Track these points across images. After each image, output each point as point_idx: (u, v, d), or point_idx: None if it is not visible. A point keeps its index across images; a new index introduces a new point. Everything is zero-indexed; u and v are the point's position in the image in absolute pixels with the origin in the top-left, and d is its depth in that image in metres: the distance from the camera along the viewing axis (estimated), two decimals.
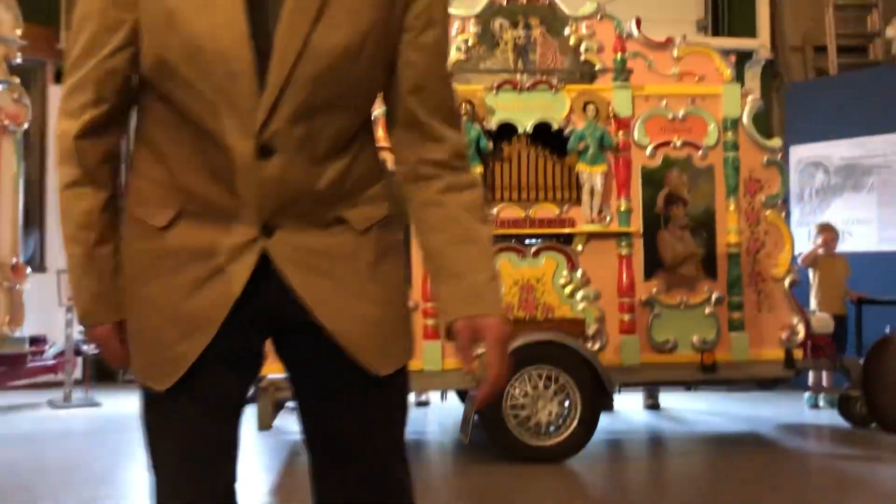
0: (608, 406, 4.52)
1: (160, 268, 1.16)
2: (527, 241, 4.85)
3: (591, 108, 4.78)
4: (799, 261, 6.43)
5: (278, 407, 4.44)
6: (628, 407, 6.08)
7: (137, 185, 1.20)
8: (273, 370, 4.45)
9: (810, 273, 6.39)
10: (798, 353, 4.96)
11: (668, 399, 6.26)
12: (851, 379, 5.48)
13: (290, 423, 5.08)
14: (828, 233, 6.40)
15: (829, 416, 5.65)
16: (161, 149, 1.16)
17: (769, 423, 5.64)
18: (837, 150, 7.58)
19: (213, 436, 1.17)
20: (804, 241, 7.57)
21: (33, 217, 7.86)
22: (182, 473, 1.16)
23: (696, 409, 6.02)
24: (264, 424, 4.31)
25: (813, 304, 6.33)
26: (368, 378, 1.20)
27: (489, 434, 4.42)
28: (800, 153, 7.84)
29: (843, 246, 7.24)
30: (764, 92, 7.58)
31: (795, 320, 4.97)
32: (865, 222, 7.40)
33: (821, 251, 6.34)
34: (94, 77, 1.14)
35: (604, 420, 5.53)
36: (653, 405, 6.18)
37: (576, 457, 4.45)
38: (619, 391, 4.96)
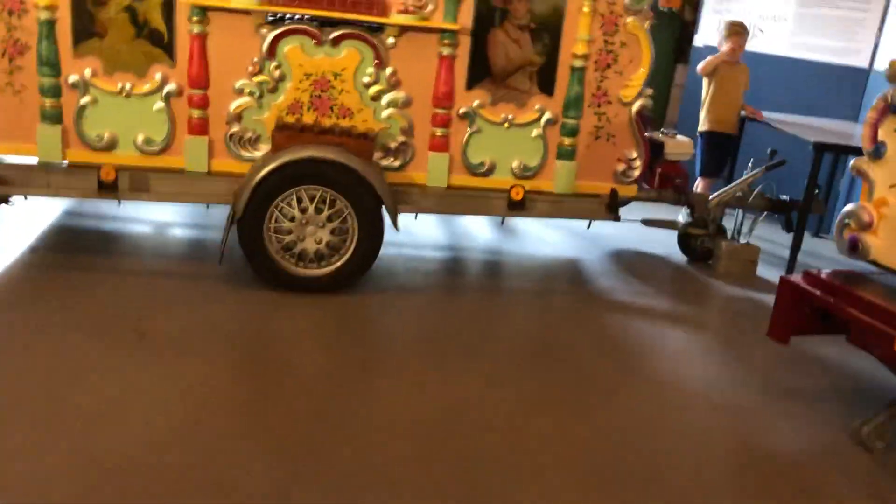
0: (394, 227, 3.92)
1: None
2: (324, 25, 3.89)
3: None
4: (698, 68, 5.58)
5: None
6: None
7: None
8: None
9: (704, 81, 5.58)
10: (628, 191, 4.36)
11: None
12: (693, 215, 4.98)
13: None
14: (737, 36, 5.45)
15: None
16: None
17: (605, 248, 5.20)
18: None
19: None
20: (711, 31, 6.68)
21: None
22: None
23: (542, 221, 5.49)
24: None
25: (702, 118, 5.60)
26: None
27: (247, 256, 3.84)
28: None
29: (752, 45, 6.40)
30: None
31: (635, 154, 4.29)
32: (780, 20, 6.46)
33: (726, 58, 5.46)
34: None
35: (430, 231, 5.02)
36: None
37: (360, 283, 3.98)
38: (417, 218, 4.37)
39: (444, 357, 3.44)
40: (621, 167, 4.31)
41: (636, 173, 4.32)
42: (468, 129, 4.12)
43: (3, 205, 4.02)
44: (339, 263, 3.90)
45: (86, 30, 3.72)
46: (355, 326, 3.70)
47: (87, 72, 3.77)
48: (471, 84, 4.06)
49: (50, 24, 3.68)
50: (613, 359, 3.62)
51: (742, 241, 5.04)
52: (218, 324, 3.51)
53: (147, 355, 3.16)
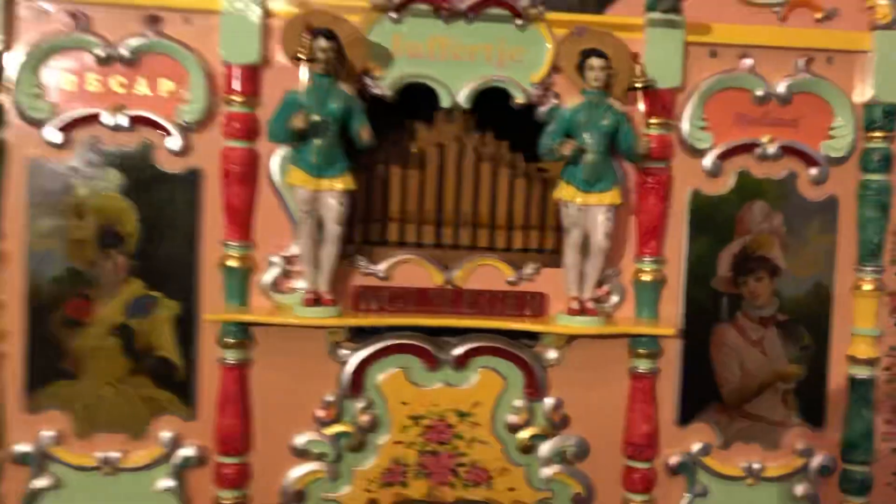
0: None
1: None
2: (440, 333, 2.37)
3: (595, 64, 2.23)
4: None
5: None
6: None
7: None
8: None
9: None
10: None
11: None
12: None
13: None
14: None
15: None
16: None
17: None
18: None
19: None
20: None
21: None
22: None
23: None
24: None
25: None
26: None
27: None
28: None
29: None
30: None
31: None
32: None
33: None
34: None
35: None
36: None
37: None
38: None
39: None
40: None
41: None
42: (686, 492, 2.42)
43: None
44: None
45: (49, 368, 2.23)
46: None
47: (47, 436, 2.24)
48: (687, 416, 2.43)
49: None
50: None
51: None
52: None
53: None
